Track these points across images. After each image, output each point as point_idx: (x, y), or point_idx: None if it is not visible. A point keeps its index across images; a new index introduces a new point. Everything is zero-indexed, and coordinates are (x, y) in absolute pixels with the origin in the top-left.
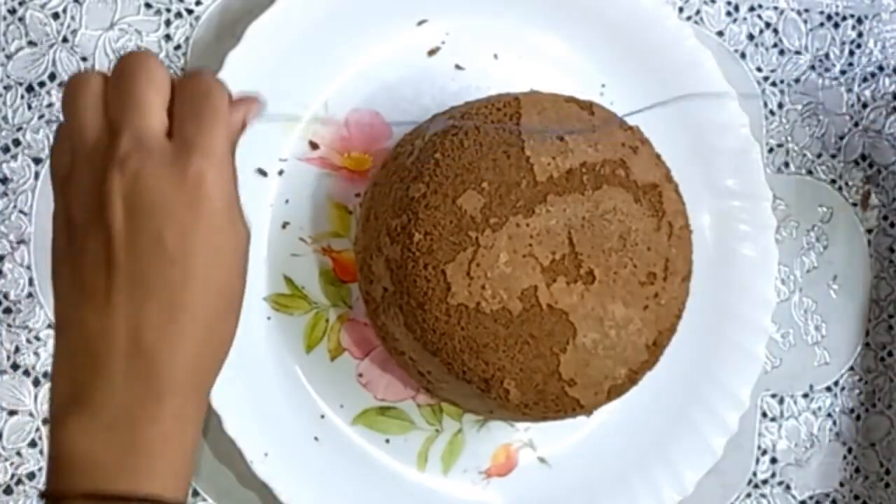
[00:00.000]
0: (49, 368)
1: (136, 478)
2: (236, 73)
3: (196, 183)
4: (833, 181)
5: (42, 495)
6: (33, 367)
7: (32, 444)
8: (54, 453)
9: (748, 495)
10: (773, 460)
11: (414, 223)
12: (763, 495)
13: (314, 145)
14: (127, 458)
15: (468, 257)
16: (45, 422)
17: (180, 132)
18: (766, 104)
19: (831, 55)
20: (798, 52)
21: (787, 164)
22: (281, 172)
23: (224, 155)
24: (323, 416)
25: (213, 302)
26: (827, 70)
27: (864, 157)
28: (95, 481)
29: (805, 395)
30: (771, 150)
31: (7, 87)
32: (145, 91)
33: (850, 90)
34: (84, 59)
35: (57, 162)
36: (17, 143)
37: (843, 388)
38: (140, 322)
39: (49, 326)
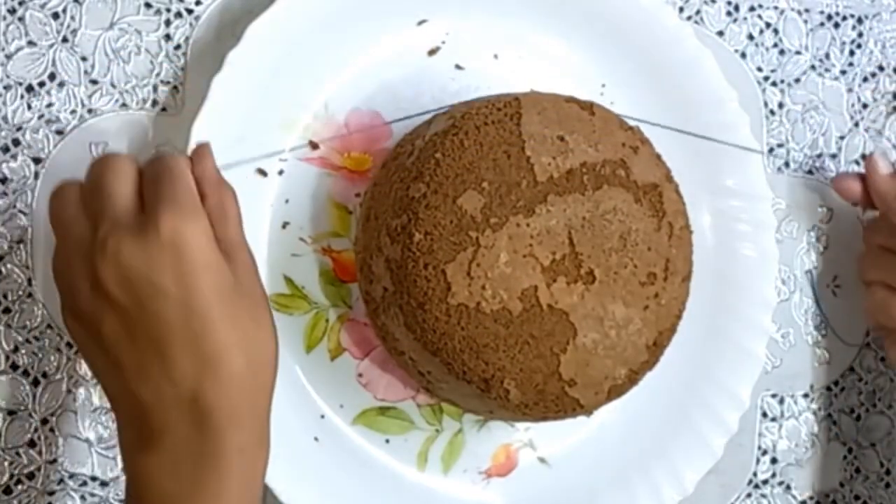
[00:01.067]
0: (48, 368)
1: None
2: (236, 73)
3: (171, 236)
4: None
5: None
6: (32, 367)
7: (32, 443)
8: (129, 488)
9: (748, 495)
10: (774, 460)
11: (414, 223)
12: (763, 495)
13: (314, 145)
14: (194, 489)
15: (468, 257)
16: (43, 422)
17: (147, 203)
18: (766, 104)
19: (831, 55)
20: (798, 52)
21: (787, 164)
22: (281, 172)
23: (189, 203)
24: (323, 416)
25: (237, 328)
26: (827, 70)
27: (864, 157)
28: None
29: (805, 395)
30: (771, 150)
31: (7, 87)
32: (112, 182)
33: (850, 90)
34: (84, 58)
35: (55, 262)
36: (16, 143)
37: (843, 388)
38: (181, 375)
39: (49, 327)
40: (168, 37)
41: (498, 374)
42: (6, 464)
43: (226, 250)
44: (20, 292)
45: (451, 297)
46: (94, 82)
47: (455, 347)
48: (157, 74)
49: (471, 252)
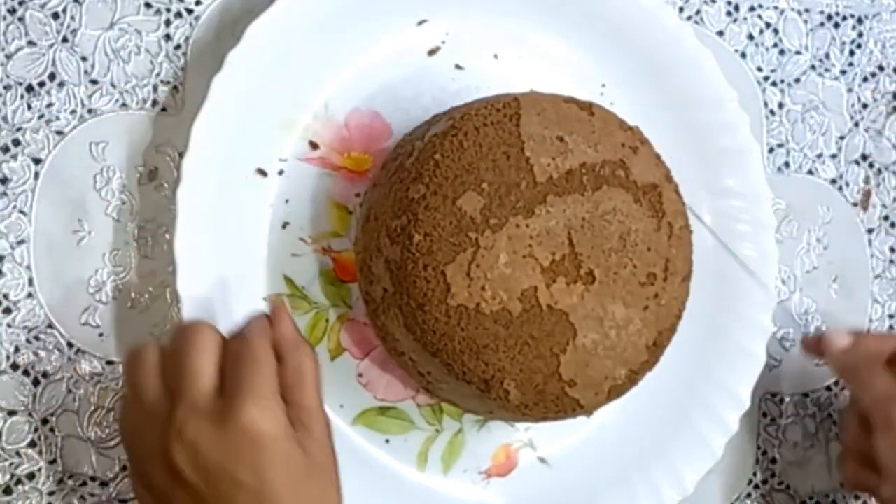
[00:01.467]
0: (48, 368)
1: None
2: (236, 73)
3: (249, 428)
4: (833, 181)
5: None
6: (33, 367)
7: (32, 444)
8: None
9: (748, 495)
10: (773, 460)
11: (414, 224)
12: (763, 495)
13: (314, 145)
14: None
15: (468, 258)
16: (43, 422)
17: (228, 387)
18: (766, 104)
19: (831, 55)
20: (798, 52)
21: (787, 164)
22: (281, 172)
23: (268, 394)
24: None
25: None
26: (827, 70)
27: (864, 157)
28: None
29: (805, 395)
30: (771, 150)
31: (7, 87)
32: (195, 358)
33: (850, 90)
34: (84, 58)
35: (125, 421)
36: (16, 143)
37: (843, 388)
38: None
39: (49, 327)
40: (168, 37)
41: (498, 375)
42: (6, 464)
43: (300, 418)
44: (21, 292)
45: (451, 298)
46: (94, 82)
47: (455, 348)
48: (157, 74)
49: (470, 253)
